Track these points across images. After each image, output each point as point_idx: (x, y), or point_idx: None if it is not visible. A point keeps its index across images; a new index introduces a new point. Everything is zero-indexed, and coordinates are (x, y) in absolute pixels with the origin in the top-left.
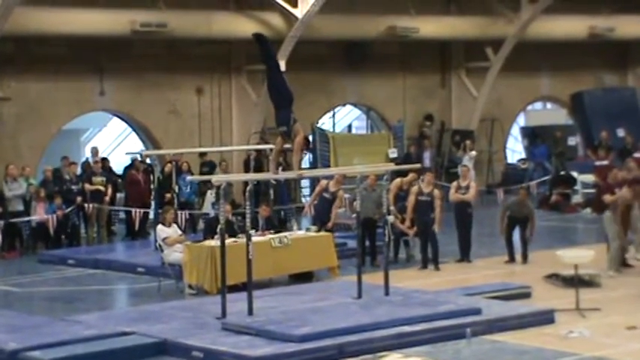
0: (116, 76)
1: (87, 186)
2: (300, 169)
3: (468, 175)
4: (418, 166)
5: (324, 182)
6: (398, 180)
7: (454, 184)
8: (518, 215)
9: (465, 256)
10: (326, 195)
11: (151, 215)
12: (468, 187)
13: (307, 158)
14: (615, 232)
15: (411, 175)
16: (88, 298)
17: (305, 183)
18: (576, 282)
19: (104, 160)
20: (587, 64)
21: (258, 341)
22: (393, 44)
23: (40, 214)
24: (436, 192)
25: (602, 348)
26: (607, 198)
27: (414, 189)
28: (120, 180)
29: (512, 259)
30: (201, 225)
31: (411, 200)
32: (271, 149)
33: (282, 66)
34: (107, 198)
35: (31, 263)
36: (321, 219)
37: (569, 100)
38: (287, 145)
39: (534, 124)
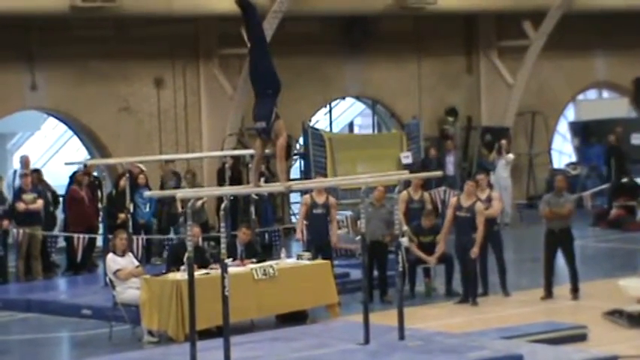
0: (51, 66)
1: (18, 205)
2: (288, 179)
3: (485, 184)
4: (439, 173)
5: (307, 198)
6: (404, 192)
7: (453, 201)
8: (558, 228)
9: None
10: (317, 211)
11: (99, 242)
12: (489, 200)
13: (298, 165)
14: None
15: (415, 182)
16: (16, 350)
17: (295, 197)
18: None
19: (36, 171)
20: None
21: None
22: (405, 19)
23: None
24: (479, 206)
25: None
26: None
27: (452, 201)
28: (58, 197)
29: (549, 293)
30: (163, 253)
31: (448, 215)
32: (252, 155)
33: None
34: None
35: None
36: (317, 242)
37: (631, 87)
38: (267, 150)
39: (587, 118)
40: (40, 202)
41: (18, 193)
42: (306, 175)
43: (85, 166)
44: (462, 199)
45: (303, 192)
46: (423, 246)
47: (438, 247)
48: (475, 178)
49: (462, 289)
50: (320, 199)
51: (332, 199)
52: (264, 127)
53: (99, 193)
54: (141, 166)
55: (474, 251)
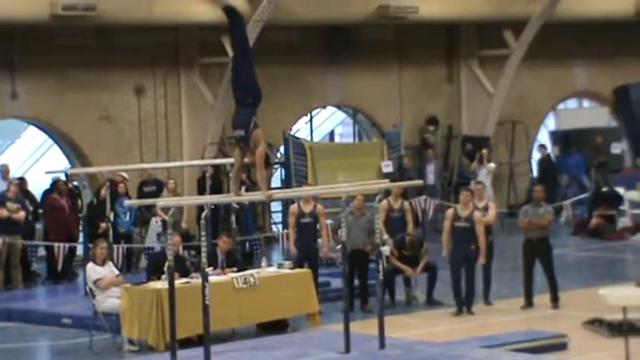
0: (32, 74)
1: (1, 212)
2: (269, 188)
3: (484, 194)
4: (420, 182)
5: (294, 207)
6: (384, 202)
7: (449, 212)
8: (536, 237)
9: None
10: (304, 220)
11: (79, 251)
12: (486, 208)
13: (279, 174)
14: None
15: (395, 191)
16: None
17: (276, 207)
18: (625, 329)
19: (21, 180)
20: (634, 50)
21: None
22: (386, 28)
23: None
24: (477, 214)
25: None
26: None
27: (449, 212)
28: (38, 208)
29: (529, 302)
30: (143, 262)
31: (446, 227)
32: (232, 164)
33: None
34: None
35: None
36: (304, 250)
37: (611, 96)
38: (246, 159)
39: (567, 127)
40: (22, 214)
41: (1, 201)
42: (286, 183)
43: (67, 175)
44: (458, 209)
45: (284, 201)
46: (406, 259)
47: (423, 260)
48: (470, 188)
49: (455, 299)
50: (307, 208)
51: (320, 207)
52: (242, 135)
53: (79, 202)
54: (124, 174)
55: (481, 260)
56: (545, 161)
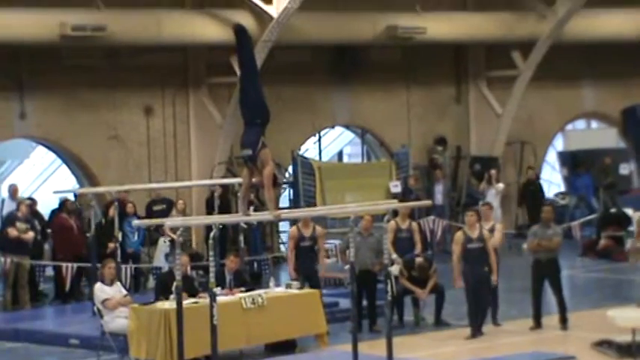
0: (41, 94)
1: (11, 231)
2: (277, 208)
3: (491, 215)
4: (429, 203)
5: (293, 230)
6: (392, 222)
7: (459, 236)
8: (545, 258)
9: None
10: (304, 243)
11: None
12: (492, 230)
13: (287, 194)
14: None
15: (402, 212)
16: None
17: (284, 226)
18: (634, 351)
19: (31, 201)
20: None
21: None
22: (394, 49)
23: None
24: (486, 233)
25: None
26: None
27: (458, 237)
28: (47, 228)
29: (538, 324)
30: (151, 282)
31: (456, 251)
32: (240, 184)
33: None
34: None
35: None
36: (304, 272)
37: (620, 117)
38: (255, 179)
39: (576, 148)
40: (31, 234)
41: (9, 221)
42: (295, 203)
43: (75, 195)
44: (467, 231)
45: (293, 221)
46: (415, 280)
47: (431, 281)
48: (476, 208)
49: (469, 322)
50: (307, 232)
51: (319, 229)
52: (250, 154)
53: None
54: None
55: (495, 279)
56: (531, 183)
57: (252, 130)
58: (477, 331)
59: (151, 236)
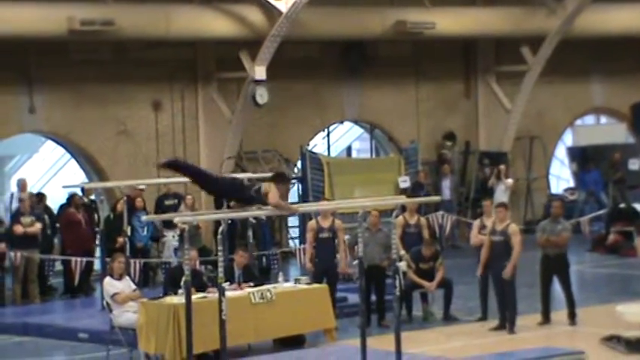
0: (49, 89)
1: (16, 228)
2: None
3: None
4: (437, 199)
5: (312, 223)
6: (400, 217)
7: (476, 222)
8: (553, 253)
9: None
10: (323, 235)
11: (97, 265)
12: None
13: (296, 189)
14: None
15: (410, 207)
16: None
17: (293, 221)
18: None
19: (39, 195)
20: None
21: None
22: (403, 44)
23: None
24: (512, 228)
25: None
26: None
27: (487, 225)
28: (56, 222)
29: (546, 319)
30: (160, 277)
31: (485, 241)
32: (249, 179)
33: (263, 73)
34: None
35: None
36: (323, 266)
37: (629, 112)
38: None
39: (585, 143)
40: (37, 226)
41: (16, 216)
42: (304, 199)
43: (83, 190)
44: (494, 222)
45: (301, 216)
46: (422, 273)
47: (438, 275)
48: (504, 202)
49: (499, 314)
50: (326, 224)
51: (338, 222)
52: (260, 202)
53: (95, 216)
54: (142, 186)
55: (507, 272)
56: None
57: (240, 194)
58: (504, 323)
59: (157, 232)
